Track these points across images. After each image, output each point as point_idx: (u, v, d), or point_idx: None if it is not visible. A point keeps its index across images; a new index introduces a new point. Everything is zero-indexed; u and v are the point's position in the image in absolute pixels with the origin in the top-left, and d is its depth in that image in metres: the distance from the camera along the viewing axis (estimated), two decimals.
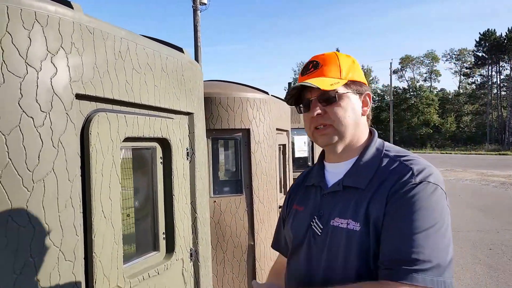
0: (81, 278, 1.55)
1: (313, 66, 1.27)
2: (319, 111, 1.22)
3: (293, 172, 7.01)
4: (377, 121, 60.63)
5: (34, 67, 1.44)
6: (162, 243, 2.18)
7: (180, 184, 2.26)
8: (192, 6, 14.19)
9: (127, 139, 1.89)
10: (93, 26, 1.67)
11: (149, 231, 2.19)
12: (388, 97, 58.37)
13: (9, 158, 1.36)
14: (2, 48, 1.37)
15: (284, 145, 5.43)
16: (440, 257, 1.03)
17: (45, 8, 1.48)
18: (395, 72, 63.36)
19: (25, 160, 1.40)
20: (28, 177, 1.40)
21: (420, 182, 1.10)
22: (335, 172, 1.30)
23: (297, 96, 1.30)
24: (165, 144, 2.17)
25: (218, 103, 4.04)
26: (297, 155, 7.92)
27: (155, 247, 2.17)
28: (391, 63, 61.08)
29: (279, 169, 5.16)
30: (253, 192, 4.05)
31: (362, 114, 1.29)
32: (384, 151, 1.25)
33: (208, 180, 3.18)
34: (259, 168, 4.16)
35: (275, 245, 1.58)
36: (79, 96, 1.60)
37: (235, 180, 4.08)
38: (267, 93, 4.65)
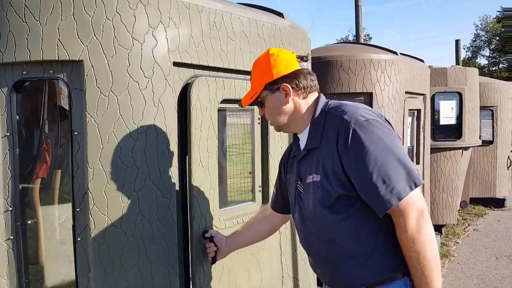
0: (175, 212, 1.89)
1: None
2: (260, 112, 1.66)
3: (438, 141, 6.52)
4: None
5: (139, 40, 1.78)
6: (258, 194, 2.43)
7: (276, 144, 2.46)
8: None
9: (225, 101, 2.15)
10: (189, 1, 1.93)
11: (249, 184, 2.47)
12: None
13: (120, 114, 1.74)
14: (113, 26, 1.73)
15: (418, 111, 5.09)
16: (402, 171, 1.29)
17: None
18: None
19: (132, 116, 1.76)
20: (134, 129, 1.77)
21: (355, 125, 1.34)
22: (302, 140, 1.59)
23: None
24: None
25: (339, 66, 4.03)
26: (442, 122, 7.25)
27: (253, 198, 2.43)
28: None
29: (410, 137, 4.90)
30: None
31: (285, 103, 1.54)
32: (327, 109, 1.49)
33: None
34: None
35: (275, 207, 1.94)
36: (176, 64, 1.90)
37: None
38: (395, 53, 4.42)
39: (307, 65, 1.59)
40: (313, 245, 1.55)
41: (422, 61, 5.18)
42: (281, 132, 2.47)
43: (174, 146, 1.90)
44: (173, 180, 1.88)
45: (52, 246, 1.82)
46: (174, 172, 1.89)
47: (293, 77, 1.53)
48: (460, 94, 6.39)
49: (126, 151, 1.75)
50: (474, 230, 6.49)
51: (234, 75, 2.22)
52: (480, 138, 7.08)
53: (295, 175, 1.60)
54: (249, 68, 2.22)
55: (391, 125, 1.44)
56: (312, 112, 1.54)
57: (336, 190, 1.37)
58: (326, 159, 1.40)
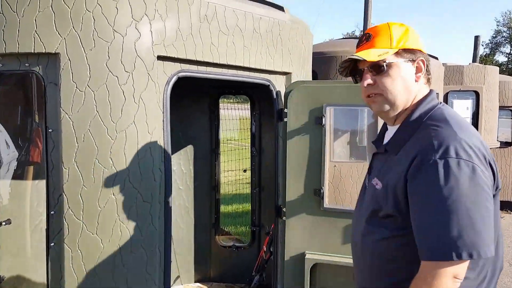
0: (157, 218, 1.77)
1: (365, 39, 1.31)
2: (369, 81, 1.27)
3: None
4: None
5: (120, 33, 1.66)
6: None
7: None
8: None
9: None
10: None
11: None
12: None
13: (96, 110, 1.63)
14: (93, 18, 1.62)
15: None
16: (469, 231, 1.04)
17: None
18: None
19: (110, 113, 1.65)
20: (112, 127, 1.66)
21: (440, 158, 1.07)
22: (388, 134, 1.37)
23: (353, 67, 1.35)
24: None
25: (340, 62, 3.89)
26: None
27: None
28: None
29: None
30: None
31: (416, 81, 1.27)
32: (425, 118, 1.23)
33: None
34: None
35: None
36: (161, 58, 1.78)
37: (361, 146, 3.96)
38: None
39: None
40: (354, 245, 1.39)
41: (436, 58, 4.97)
42: None
43: (157, 146, 1.78)
44: (155, 183, 1.77)
45: (27, 248, 1.73)
46: (157, 174, 1.78)
47: (426, 57, 1.29)
48: (477, 93, 6.14)
49: (103, 150, 1.64)
50: None
51: (225, 70, 2.09)
52: (497, 140, 6.82)
53: (369, 164, 1.42)
54: (242, 64, 2.10)
55: (495, 172, 1.13)
56: (413, 109, 1.27)
57: (385, 207, 1.20)
58: (393, 174, 1.19)
